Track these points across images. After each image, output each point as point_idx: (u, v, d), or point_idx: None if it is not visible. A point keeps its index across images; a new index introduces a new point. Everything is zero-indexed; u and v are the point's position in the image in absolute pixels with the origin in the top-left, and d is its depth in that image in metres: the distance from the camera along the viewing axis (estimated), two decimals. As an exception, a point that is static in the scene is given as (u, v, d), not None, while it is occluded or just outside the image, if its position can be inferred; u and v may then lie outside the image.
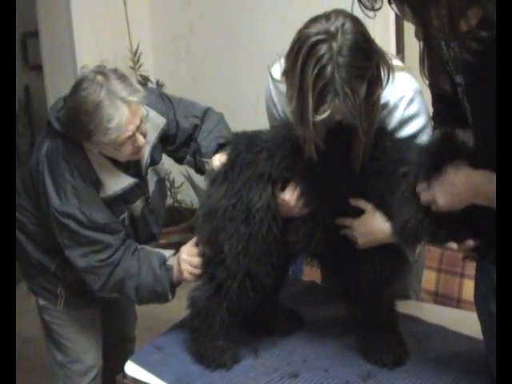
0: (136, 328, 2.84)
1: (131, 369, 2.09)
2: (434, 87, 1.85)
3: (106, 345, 2.57)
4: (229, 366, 2.03)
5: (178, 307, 2.22)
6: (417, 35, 1.45)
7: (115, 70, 2.07)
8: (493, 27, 1.30)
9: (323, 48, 1.66)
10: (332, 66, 1.65)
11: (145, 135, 2.12)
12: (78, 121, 2.00)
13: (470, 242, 1.68)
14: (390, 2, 1.38)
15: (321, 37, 1.66)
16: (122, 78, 2.05)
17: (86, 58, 4.22)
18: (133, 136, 2.05)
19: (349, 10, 1.64)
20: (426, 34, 1.36)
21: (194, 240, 2.18)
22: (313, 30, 1.68)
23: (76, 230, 2.10)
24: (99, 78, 2.01)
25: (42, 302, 2.39)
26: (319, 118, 1.68)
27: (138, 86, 2.09)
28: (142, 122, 2.07)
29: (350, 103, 1.67)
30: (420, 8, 1.30)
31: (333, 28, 1.67)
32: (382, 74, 1.76)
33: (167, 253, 2.24)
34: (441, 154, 1.64)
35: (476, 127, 1.61)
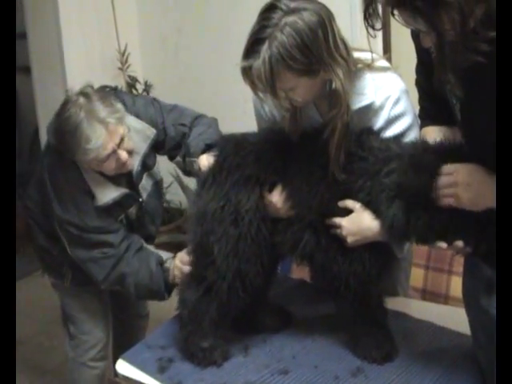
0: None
1: (123, 367, 2.10)
2: (424, 86, 1.87)
3: (118, 320, 2.79)
4: (219, 363, 2.03)
5: (168, 306, 2.25)
6: (424, 42, 1.48)
7: (98, 91, 2.22)
8: (494, 26, 1.33)
9: (277, 13, 1.72)
10: (272, 31, 1.72)
11: (130, 151, 2.23)
12: (63, 140, 2.17)
13: (460, 243, 1.69)
14: (393, 14, 1.41)
15: (280, 5, 1.72)
16: (103, 98, 2.18)
17: (75, 59, 4.23)
18: (114, 153, 2.17)
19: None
20: (439, 40, 1.38)
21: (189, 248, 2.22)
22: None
23: (78, 234, 2.27)
24: (81, 99, 2.14)
25: (52, 280, 2.61)
26: (243, 63, 1.77)
27: (119, 106, 2.22)
28: (122, 140, 2.18)
29: (262, 68, 1.74)
30: (433, 14, 1.33)
31: (294, 5, 1.72)
32: (333, 75, 1.79)
33: (165, 255, 2.35)
34: (454, 153, 1.66)
35: (469, 126, 1.62)
